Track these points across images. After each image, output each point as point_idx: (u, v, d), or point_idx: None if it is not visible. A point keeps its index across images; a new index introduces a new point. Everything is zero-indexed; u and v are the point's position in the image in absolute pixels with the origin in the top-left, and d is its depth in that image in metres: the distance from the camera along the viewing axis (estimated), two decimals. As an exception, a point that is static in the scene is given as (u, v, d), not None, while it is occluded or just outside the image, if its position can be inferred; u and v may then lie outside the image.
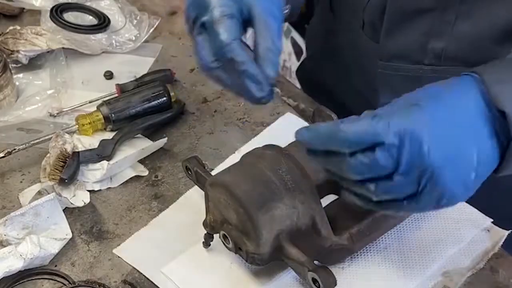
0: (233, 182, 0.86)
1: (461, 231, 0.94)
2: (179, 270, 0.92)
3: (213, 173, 0.98)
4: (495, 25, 0.96)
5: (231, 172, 0.90)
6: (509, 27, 0.95)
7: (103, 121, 1.12)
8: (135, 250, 0.96)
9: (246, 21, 0.84)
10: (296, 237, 0.86)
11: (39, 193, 1.01)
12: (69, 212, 1.01)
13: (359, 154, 0.73)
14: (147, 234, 0.98)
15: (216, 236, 0.92)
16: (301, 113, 1.15)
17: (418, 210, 0.80)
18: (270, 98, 0.84)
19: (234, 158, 1.06)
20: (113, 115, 1.12)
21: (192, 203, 1.01)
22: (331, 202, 0.94)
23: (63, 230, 0.97)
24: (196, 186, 1.02)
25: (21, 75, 1.27)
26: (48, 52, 1.29)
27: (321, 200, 0.88)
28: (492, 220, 0.96)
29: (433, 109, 0.73)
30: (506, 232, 0.94)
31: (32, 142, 1.09)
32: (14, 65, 1.26)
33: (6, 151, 1.07)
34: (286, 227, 0.85)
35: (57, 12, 1.30)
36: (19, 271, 0.92)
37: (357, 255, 0.92)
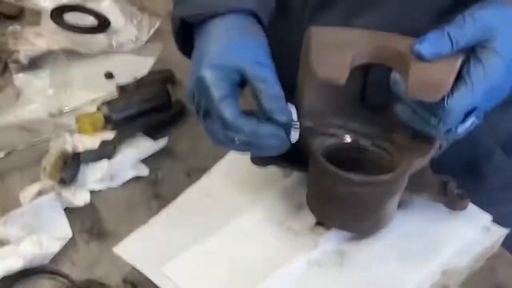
0: None
1: (460, 230, 0.94)
2: (179, 269, 0.92)
3: (213, 173, 0.98)
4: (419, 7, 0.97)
5: None
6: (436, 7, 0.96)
7: (103, 121, 1.12)
8: (134, 249, 0.96)
9: (242, 82, 0.86)
10: None
11: (39, 193, 1.01)
12: (69, 211, 1.01)
13: None
14: (146, 232, 0.98)
15: (215, 236, 0.92)
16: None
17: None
18: (293, 140, 0.85)
19: (233, 158, 1.06)
20: (113, 115, 1.12)
21: (192, 201, 1.01)
22: None
23: (63, 230, 0.97)
24: (196, 185, 1.02)
25: (21, 75, 1.27)
26: (48, 52, 1.29)
27: None
28: (491, 218, 0.96)
29: None
30: (506, 231, 0.94)
31: (32, 142, 1.10)
32: (14, 65, 1.26)
33: (6, 151, 1.07)
34: None
35: (57, 13, 1.31)
36: (19, 270, 0.92)
37: (357, 254, 0.92)
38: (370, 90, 0.92)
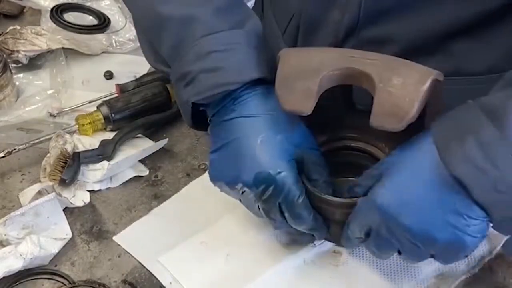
0: None
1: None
2: (176, 260, 0.92)
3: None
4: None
5: None
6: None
7: (103, 121, 1.12)
8: (134, 238, 0.97)
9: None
10: None
11: (39, 193, 1.01)
12: (69, 212, 1.01)
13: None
14: (147, 223, 0.99)
15: (212, 229, 0.92)
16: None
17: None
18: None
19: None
20: (113, 115, 1.12)
21: (193, 195, 1.02)
22: None
23: (63, 230, 0.97)
24: (197, 180, 1.02)
25: (21, 75, 1.27)
26: (48, 52, 1.29)
27: None
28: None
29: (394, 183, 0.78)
30: (504, 238, 0.94)
31: (32, 142, 1.10)
32: (14, 65, 1.26)
33: (6, 151, 1.07)
34: None
35: (57, 12, 1.31)
36: (19, 271, 0.92)
37: (352, 255, 0.93)
38: (359, 96, 0.91)
